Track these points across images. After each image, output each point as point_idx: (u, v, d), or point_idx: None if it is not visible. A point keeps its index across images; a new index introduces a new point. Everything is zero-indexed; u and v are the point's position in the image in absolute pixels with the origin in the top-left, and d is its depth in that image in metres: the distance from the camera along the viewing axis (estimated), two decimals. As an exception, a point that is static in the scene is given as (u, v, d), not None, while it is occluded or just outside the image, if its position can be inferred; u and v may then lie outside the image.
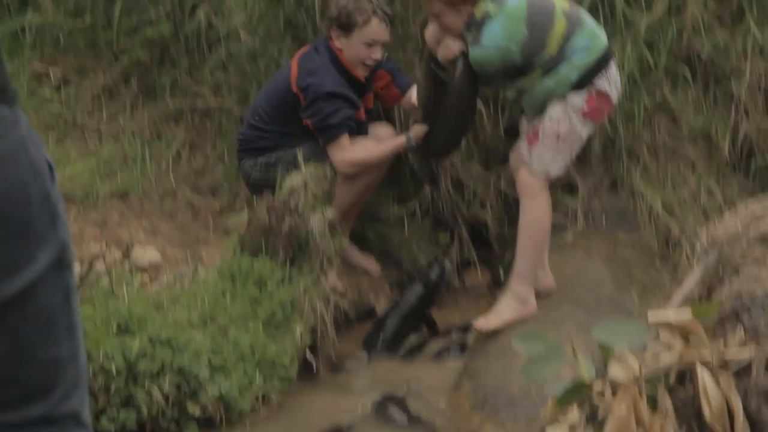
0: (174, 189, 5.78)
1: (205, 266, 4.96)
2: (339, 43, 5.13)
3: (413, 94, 5.20)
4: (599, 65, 4.59)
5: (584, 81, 4.58)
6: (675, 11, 5.42)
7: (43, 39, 6.48)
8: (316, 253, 4.61)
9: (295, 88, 5.11)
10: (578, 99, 4.59)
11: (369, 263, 5.43)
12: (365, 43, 5.10)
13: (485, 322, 4.72)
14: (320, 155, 5.09)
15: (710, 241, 4.12)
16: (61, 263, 1.84)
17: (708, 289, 4.09)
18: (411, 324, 5.19)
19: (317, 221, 4.63)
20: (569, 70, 4.56)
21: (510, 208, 5.45)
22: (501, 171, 5.52)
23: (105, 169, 5.80)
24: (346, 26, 5.09)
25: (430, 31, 4.76)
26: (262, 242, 4.59)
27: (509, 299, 4.74)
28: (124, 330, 4.22)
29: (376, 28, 5.10)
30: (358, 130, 5.19)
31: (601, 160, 5.48)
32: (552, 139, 4.62)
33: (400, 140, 5.14)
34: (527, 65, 4.56)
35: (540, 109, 4.66)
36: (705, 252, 4.13)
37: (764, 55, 5.45)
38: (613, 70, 4.65)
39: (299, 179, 4.74)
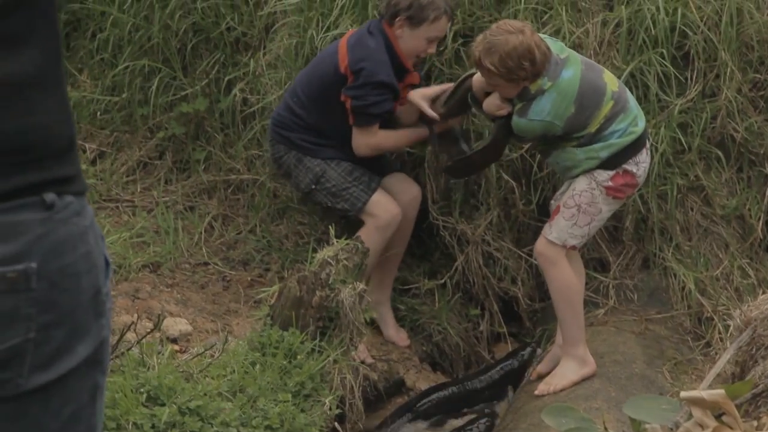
0: (206, 260, 5.82)
1: (235, 337, 4.96)
2: (401, 32, 5.08)
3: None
4: (632, 149, 4.70)
5: (614, 162, 4.69)
6: (709, 95, 5.45)
7: (80, 113, 6.58)
8: (346, 326, 4.60)
9: (343, 70, 5.08)
10: (605, 175, 4.71)
11: (397, 335, 5.42)
12: (428, 39, 5.08)
13: (547, 386, 4.82)
14: (344, 178, 5.18)
15: (744, 320, 4.11)
16: (95, 361, 1.80)
17: (741, 369, 4.07)
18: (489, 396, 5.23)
19: (347, 294, 4.62)
20: (602, 148, 4.68)
21: (542, 284, 5.46)
22: (532, 246, 5.54)
23: (138, 240, 5.84)
24: (416, 19, 5.03)
25: (479, 80, 4.84)
26: (292, 314, 4.58)
27: (569, 362, 4.84)
28: (153, 399, 4.21)
29: (444, 26, 5.10)
30: None
31: (633, 238, 5.50)
32: (573, 209, 4.74)
33: (422, 132, 5.18)
34: (565, 137, 4.69)
35: (562, 171, 4.81)
36: (738, 331, 4.11)
37: (797, 139, 5.47)
38: (644, 155, 4.76)
39: (331, 252, 4.74)
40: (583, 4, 5.52)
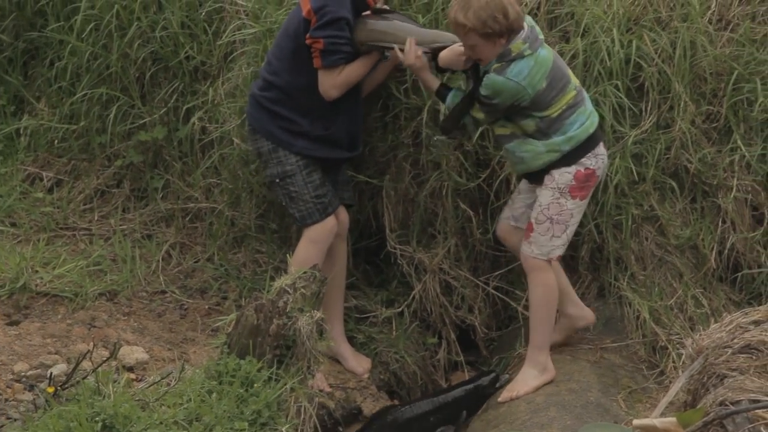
0: (163, 289, 5.81)
1: (192, 366, 4.94)
2: None
3: None
4: (591, 142, 4.96)
5: (574, 156, 4.93)
6: (663, 126, 5.51)
7: (37, 141, 6.56)
8: (303, 354, 4.60)
9: (306, 14, 5.12)
10: (567, 176, 4.94)
11: (359, 365, 5.43)
12: None
13: (509, 393, 5.00)
14: (308, 190, 5.24)
15: (696, 348, 4.15)
16: None
17: (693, 397, 4.11)
18: (441, 419, 5.22)
19: (305, 322, 4.62)
20: (562, 141, 4.90)
21: (498, 312, 5.51)
22: (489, 275, 5.60)
23: (95, 269, 5.82)
24: None
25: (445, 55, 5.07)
26: (249, 342, 4.58)
27: (531, 369, 5.03)
28: (109, 428, 4.19)
29: None
30: None
31: (589, 267, 5.56)
32: (545, 223, 4.96)
33: (375, 56, 5.24)
34: (526, 113, 4.90)
35: (518, 162, 5.00)
36: (690, 360, 4.15)
37: (750, 170, 5.53)
38: (601, 147, 5.00)
39: (288, 280, 4.75)
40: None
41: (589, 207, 5.34)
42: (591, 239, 5.48)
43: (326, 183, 5.32)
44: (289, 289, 4.67)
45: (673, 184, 5.51)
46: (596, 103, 5.35)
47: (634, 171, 5.40)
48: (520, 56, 4.82)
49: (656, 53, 5.48)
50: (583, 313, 5.28)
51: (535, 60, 4.84)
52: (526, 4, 5.59)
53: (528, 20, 4.92)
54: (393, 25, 5.20)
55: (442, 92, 5.10)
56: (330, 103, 5.23)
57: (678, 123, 5.45)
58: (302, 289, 4.69)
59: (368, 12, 5.25)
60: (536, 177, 5.02)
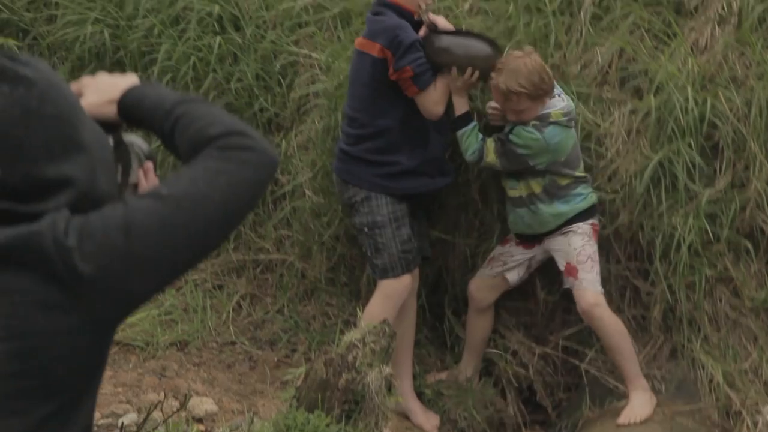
0: (233, 340, 5.83)
1: (261, 418, 4.95)
2: None
3: None
4: (594, 209, 5.33)
5: (588, 214, 5.30)
6: (738, 185, 5.44)
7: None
8: (372, 409, 4.60)
9: (378, 53, 5.15)
10: (586, 226, 5.29)
11: (427, 422, 5.41)
12: None
13: (626, 417, 5.16)
14: (395, 243, 5.26)
15: (772, 414, 4.08)
16: None
17: (769, 464, 4.04)
18: None
19: (374, 377, 4.62)
20: (567, 209, 5.25)
21: (568, 370, 5.47)
22: (555, 340, 5.59)
23: (166, 318, 5.87)
24: None
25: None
26: (318, 396, 4.58)
27: (639, 396, 5.21)
28: (177, 479, 4.21)
29: None
30: None
31: (661, 328, 5.48)
32: (588, 262, 5.24)
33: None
34: (537, 172, 5.20)
35: (530, 219, 5.31)
36: (767, 426, 4.08)
37: (827, 232, 5.45)
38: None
39: (358, 335, 4.75)
40: (608, 95, 5.57)
41: (662, 266, 5.31)
42: (663, 299, 5.41)
43: (413, 239, 5.33)
44: (358, 344, 4.67)
45: (748, 244, 5.43)
46: (669, 162, 5.33)
47: (709, 231, 5.34)
48: (557, 123, 5.14)
49: (731, 111, 5.42)
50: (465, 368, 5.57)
51: (567, 133, 5.18)
52: (597, 62, 5.59)
53: (568, 100, 5.27)
54: (449, 42, 5.26)
55: (464, 119, 5.27)
56: (418, 129, 5.28)
57: (753, 182, 5.38)
58: (372, 344, 4.69)
59: (422, 29, 5.27)
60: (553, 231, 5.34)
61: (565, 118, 5.17)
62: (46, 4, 7.10)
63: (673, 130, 5.41)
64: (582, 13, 5.72)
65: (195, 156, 2.01)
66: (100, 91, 2.19)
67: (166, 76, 6.46)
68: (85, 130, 1.96)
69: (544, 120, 5.13)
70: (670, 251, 5.29)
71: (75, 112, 1.96)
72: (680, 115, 5.39)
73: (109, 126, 2.13)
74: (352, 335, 4.77)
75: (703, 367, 5.29)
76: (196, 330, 5.81)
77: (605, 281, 5.37)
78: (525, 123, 5.14)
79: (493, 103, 5.34)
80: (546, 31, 5.65)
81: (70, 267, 1.84)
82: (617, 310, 5.42)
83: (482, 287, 5.51)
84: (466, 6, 5.83)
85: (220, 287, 6.17)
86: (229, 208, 1.98)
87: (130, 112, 2.17)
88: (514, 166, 5.20)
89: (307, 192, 5.89)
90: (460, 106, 5.27)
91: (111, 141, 2.11)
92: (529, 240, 5.41)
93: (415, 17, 5.24)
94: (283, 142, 6.12)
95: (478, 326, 5.58)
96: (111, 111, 2.18)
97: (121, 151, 2.19)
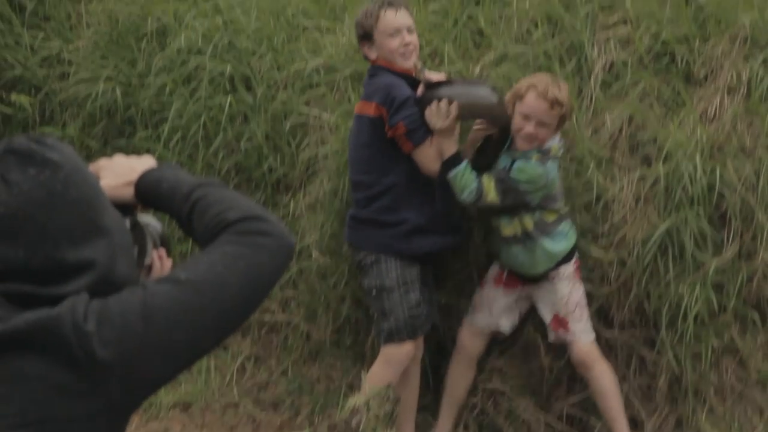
0: (236, 401, 5.80)
1: (262, 482, 4.92)
2: (373, 54, 5.24)
3: None
4: (574, 249, 5.30)
5: (568, 256, 5.26)
6: (746, 256, 5.43)
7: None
8: (375, 476, 4.57)
9: (374, 112, 5.16)
10: (571, 267, 5.26)
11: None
12: (389, 35, 5.19)
13: None
14: (402, 309, 5.20)
15: (777, 490, 4.05)
16: None
17: None
18: None
19: (377, 443, 4.60)
20: (554, 247, 5.19)
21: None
22: (556, 405, 5.56)
23: (169, 378, 5.84)
24: (368, 33, 5.23)
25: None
26: (321, 461, 4.57)
27: None
28: None
29: (391, 17, 5.20)
30: None
31: (666, 398, 5.44)
32: (576, 310, 5.23)
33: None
34: (529, 208, 5.15)
35: (522, 257, 5.24)
36: (771, 501, 4.05)
37: (835, 302, 5.43)
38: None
39: (361, 399, 4.73)
40: (618, 161, 5.57)
41: (667, 336, 5.28)
42: (669, 369, 5.38)
43: (422, 304, 5.27)
44: (362, 409, 4.65)
45: (755, 315, 5.41)
46: (677, 230, 5.31)
47: (715, 301, 5.32)
48: (555, 157, 5.16)
49: (739, 181, 5.43)
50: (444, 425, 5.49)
51: (559, 167, 5.22)
52: (607, 128, 5.60)
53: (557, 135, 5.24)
54: (448, 92, 5.20)
55: (454, 160, 5.15)
56: (425, 185, 5.26)
57: (761, 253, 5.37)
58: (375, 409, 4.67)
59: (419, 87, 5.27)
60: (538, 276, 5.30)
61: (561, 152, 5.20)
62: (59, 61, 7.16)
63: (681, 199, 5.41)
64: (592, 78, 5.74)
65: (213, 240, 2.02)
66: (118, 173, 2.21)
67: (176, 134, 6.49)
68: (107, 215, 1.97)
69: (546, 154, 5.11)
70: (677, 320, 5.27)
71: (98, 197, 1.97)
72: (688, 183, 5.38)
73: (124, 207, 2.14)
74: (355, 399, 4.75)
75: (709, 439, 5.27)
76: (199, 391, 5.79)
77: (611, 348, 5.34)
78: (527, 155, 5.08)
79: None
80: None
81: (88, 352, 1.84)
82: (622, 378, 5.39)
83: (474, 336, 5.44)
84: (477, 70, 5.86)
85: (225, 348, 6.15)
86: (246, 293, 1.99)
87: (148, 194, 2.18)
88: (512, 202, 5.13)
89: (314, 253, 5.89)
90: (448, 148, 5.15)
91: (127, 222, 2.12)
92: (512, 279, 5.35)
93: (414, 74, 5.26)
94: (291, 202, 6.12)
95: (464, 376, 5.49)
96: (128, 193, 2.19)
97: (137, 233, 2.20)
